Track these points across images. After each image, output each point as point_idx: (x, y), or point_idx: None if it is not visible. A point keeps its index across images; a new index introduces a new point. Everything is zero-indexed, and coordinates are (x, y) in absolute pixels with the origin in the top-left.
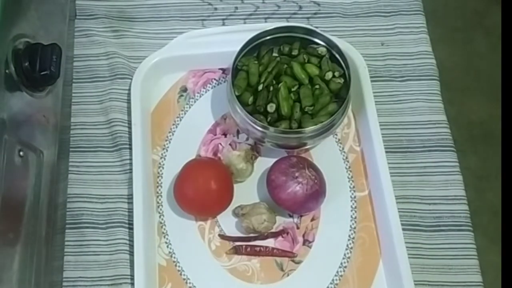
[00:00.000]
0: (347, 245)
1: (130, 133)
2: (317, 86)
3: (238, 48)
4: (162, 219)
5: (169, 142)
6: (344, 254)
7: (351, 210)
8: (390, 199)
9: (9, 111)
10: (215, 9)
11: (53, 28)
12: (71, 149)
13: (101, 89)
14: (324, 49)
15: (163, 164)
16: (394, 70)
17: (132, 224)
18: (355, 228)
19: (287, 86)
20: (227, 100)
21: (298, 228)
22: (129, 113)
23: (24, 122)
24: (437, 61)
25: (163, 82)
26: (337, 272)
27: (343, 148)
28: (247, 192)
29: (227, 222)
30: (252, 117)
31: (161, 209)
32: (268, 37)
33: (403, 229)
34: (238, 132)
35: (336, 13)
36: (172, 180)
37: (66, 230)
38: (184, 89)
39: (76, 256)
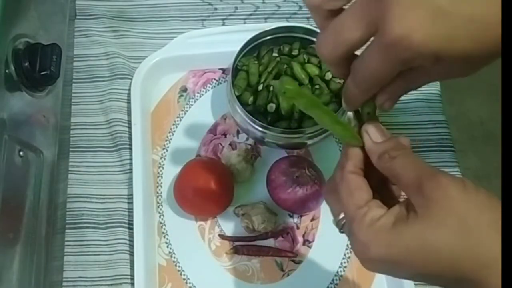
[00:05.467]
0: (347, 245)
1: (130, 133)
2: (317, 86)
3: (238, 48)
4: (162, 219)
5: (169, 142)
6: (344, 254)
7: None
8: None
9: (9, 111)
10: (215, 9)
11: (53, 28)
12: (71, 149)
13: (101, 89)
14: None
15: (163, 164)
16: None
17: (132, 224)
18: None
19: None
20: (227, 100)
21: (298, 228)
22: (129, 113)
23: (24, 122)
24: None
25: (163, 82)
26: (337, 272)
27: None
28: (247, 192)
29: (227, 222)
30: (252, 117)
31: (161, 209)
32: (268, 37)
33: None
34: (238, 132)
35: None
36: (172, 180)
37: (66, 230)
38: (184, 89)
39: (76, 256)
